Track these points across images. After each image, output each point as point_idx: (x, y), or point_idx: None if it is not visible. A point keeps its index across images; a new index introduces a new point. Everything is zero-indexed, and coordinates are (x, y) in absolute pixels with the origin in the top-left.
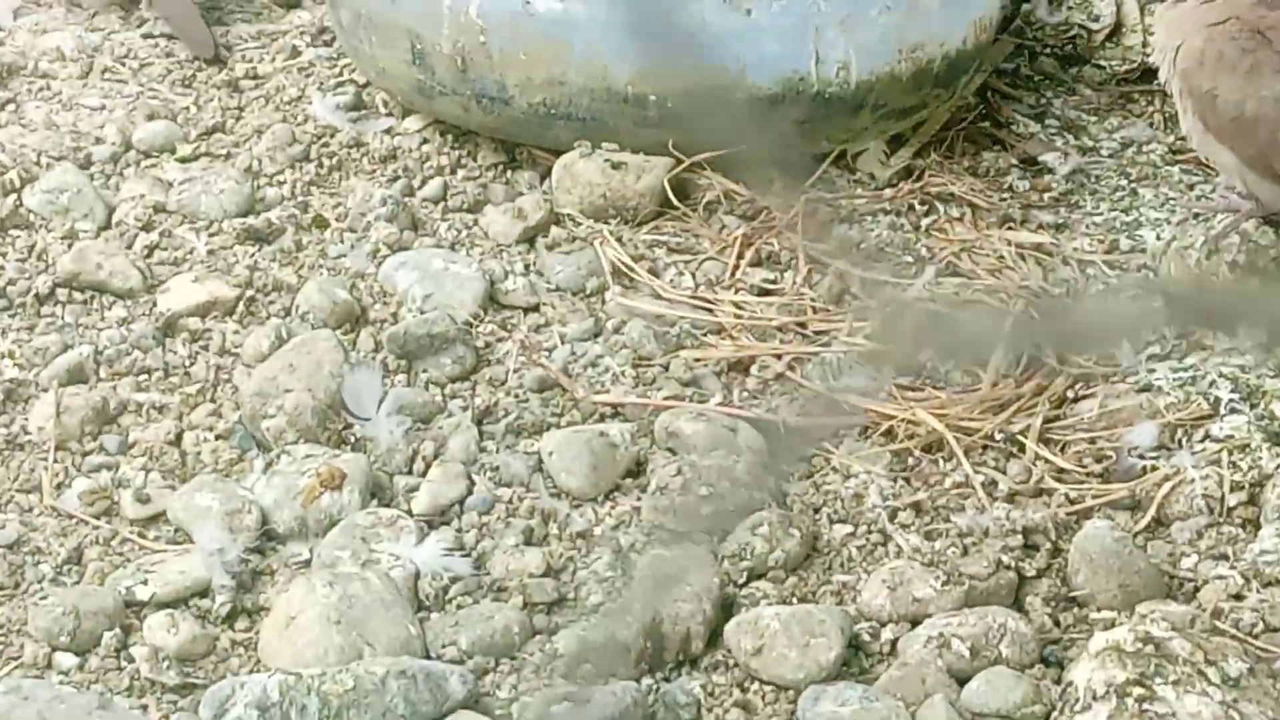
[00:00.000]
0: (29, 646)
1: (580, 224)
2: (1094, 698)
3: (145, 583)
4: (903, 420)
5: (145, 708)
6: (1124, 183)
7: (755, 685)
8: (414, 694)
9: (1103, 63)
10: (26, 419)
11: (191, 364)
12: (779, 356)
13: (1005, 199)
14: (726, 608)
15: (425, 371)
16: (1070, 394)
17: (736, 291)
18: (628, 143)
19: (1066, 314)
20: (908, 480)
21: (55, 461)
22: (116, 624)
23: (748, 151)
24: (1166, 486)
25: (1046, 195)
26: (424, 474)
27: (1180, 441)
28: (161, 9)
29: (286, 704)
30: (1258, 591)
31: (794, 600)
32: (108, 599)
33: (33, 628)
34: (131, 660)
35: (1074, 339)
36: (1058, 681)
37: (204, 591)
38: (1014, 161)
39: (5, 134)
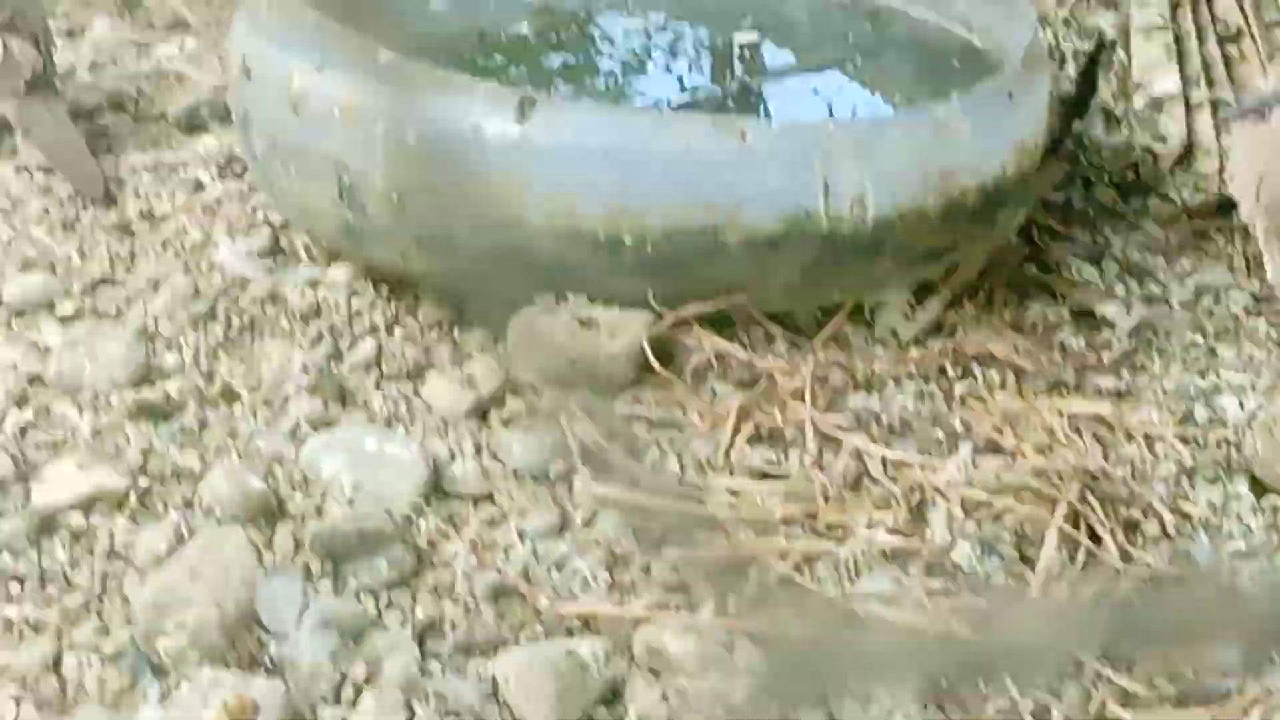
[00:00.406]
0: None
1: (542, 394)
2: None
3: None
4: (934, 635)
5: None
6: (1199, 339)
7: None
8: None
9: (1171, 193)
10: None
11: (73, 570)
12: (784, 556)
13: (1056, 360)
14: None
15: (356, 577)
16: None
17: (732, 475)
18: (599, 295)
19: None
20: (941, 708)
21: None
22: None
23: (744, 305)
24: (1257, 713)
25: (1105, 355)
26: (354, 703)
27: (1274, 656)
28: (38, 138)
29: None
30: None
31: None
32: None
33: None
34: None
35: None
36: None
37: None
38: (1066, 314)
39: None
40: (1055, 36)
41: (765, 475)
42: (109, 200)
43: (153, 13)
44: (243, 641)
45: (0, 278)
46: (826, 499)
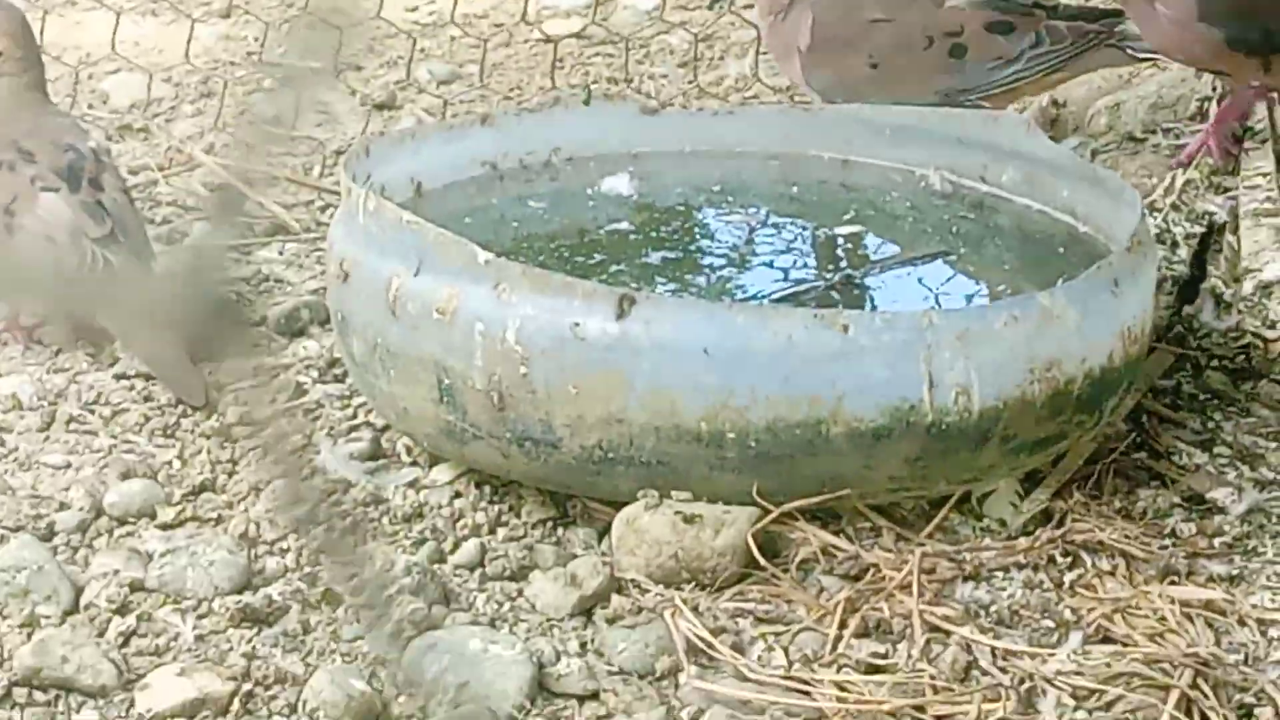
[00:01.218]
0: None
1: (647, 591)
2: None
3: None
4: None
5: None
6: None
7: None
8: None
9: None
10: None
11: None
12: None
13: (1166, 547)
14: None
15: None
16: None
17: (839, 669)
18: (702, 491)
19: None
20: None
21: None
22: None
23: (849, 497)
24: None
25: (1217, 541)
26: None
27: None
28: (138, 348)
29: None
30: None
31: None
32: None
33: None
34: None
35: None
36: None
37: None
38: (1176, 500)
39: None
40: (1165, 220)
41: (873, 668)
42: (209, 407)
43: (253, 217)
44: None
45: (102, 486)
46: (935, 691)
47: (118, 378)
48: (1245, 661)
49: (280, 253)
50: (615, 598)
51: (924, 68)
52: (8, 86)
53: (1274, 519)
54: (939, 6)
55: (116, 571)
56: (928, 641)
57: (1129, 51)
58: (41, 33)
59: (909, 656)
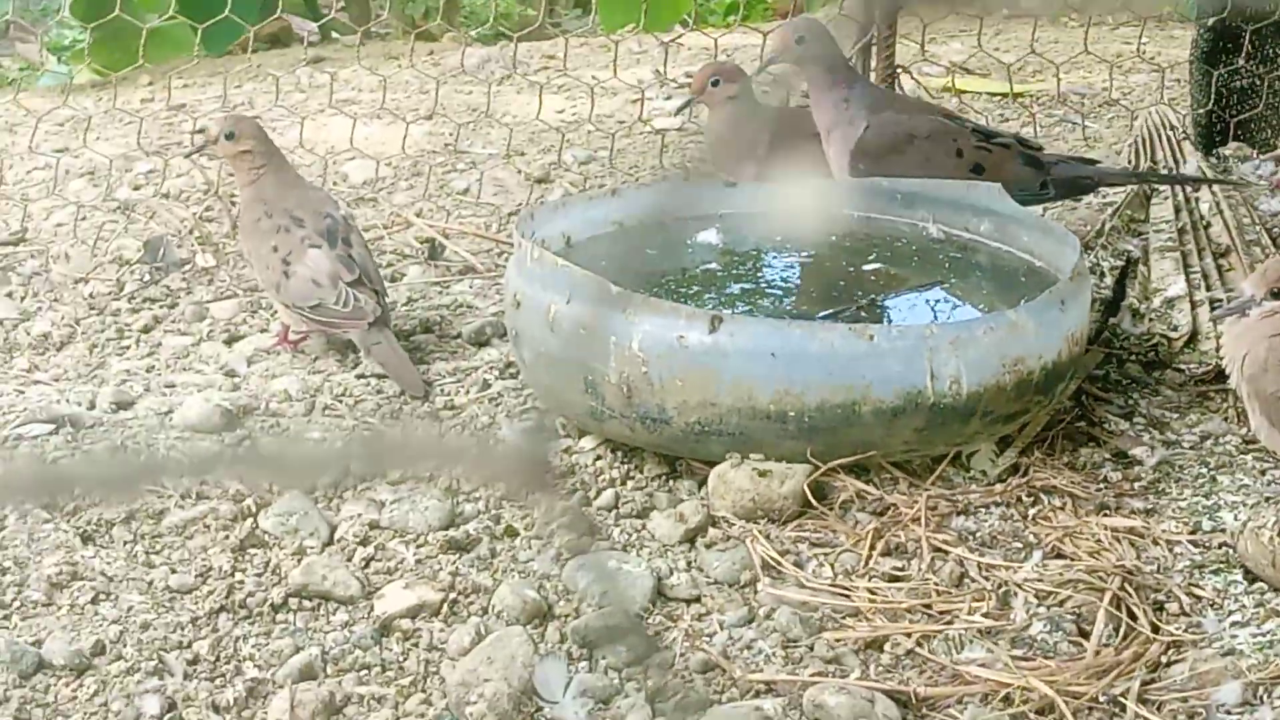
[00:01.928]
0: None
1: (734, 525)
2: None
3: None
4: (1018, 688)
5: None
6: (1204, 471)
7: None
8: None
9: (1182, 366)
10: (265, 713)
11: (404, 660)
12: (909, 635)
13: (1101, 489)
14: None
15: (604, 659)
16: (1164, 659)
17: (870, 579)
18: (772, 453)
19: None
20: None
21: None
22: None
23: (876, 457)
24: None
25: (1136, 484)
26: None
27: (1262, 698)
28: (377, 355)
29: None
30: None
31: None
32: None
33: None
34: None
35: None
36: None
37: None
38: (1107, 456)
39: (242, 467)
40: (1095, 257)
41: (894, 578)
42: (427, 397)
43: (450, 261)
44: (525, 707)
45: (349, 454)
46: (938, 594)
47: (359, 377)
48: (1158, 571)
49: (470, 287)
50: (711, 530)
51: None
52: (270, 171)
53: (1177, 469)
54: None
55: (359, 515)
56: (932, 559)
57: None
58: (300, 133)
59: (919, 570)
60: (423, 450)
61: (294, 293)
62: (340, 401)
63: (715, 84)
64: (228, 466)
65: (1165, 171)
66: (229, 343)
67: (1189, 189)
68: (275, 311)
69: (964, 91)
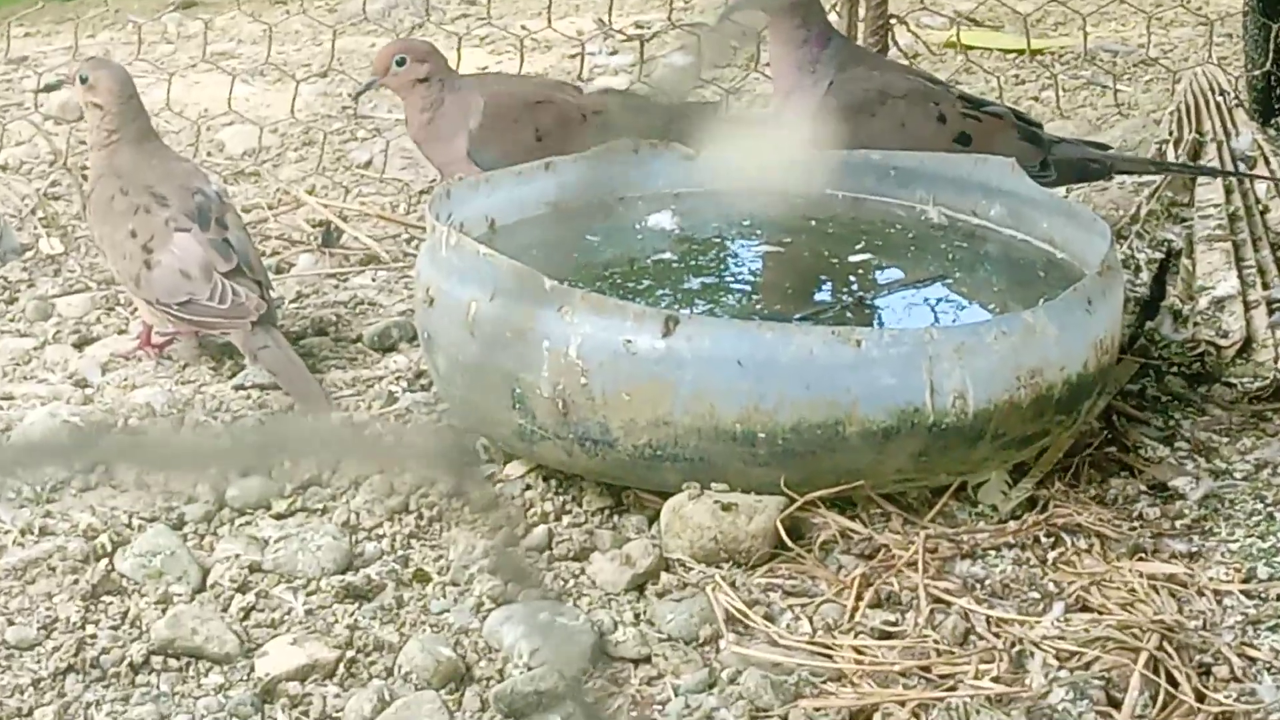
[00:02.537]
0: None
1: (691, 569)
2: None
3: None
4: None
5: None
6: (1260, 507)
7: None
8: None
9: (1233, 380)
10: None
11: None
12: (903, 703)
13: (1135, 528)
14: None
15: None
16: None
17: (856, 635)
18: (738, 483)
19: None
20: None
21: None
22: None
23: (863, 487)
24: None
25: (1178, 523)
26: None
27: None
28: (265, 361)
29: None
30: None
31: None
32: None
33: None
34: None
35: None
36: None
37: None
38: (1143, 488)
39: (96, 496)
40: (1129, 248)
41: (885, 634)
42: (328, 410)
43: (349, 249)
44: None
45: (224, 482)
46: (939, 654)
47: (236, 389)
48: (1204, 627)
49: (373, 279)
50: (664, 575)
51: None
52: (127, 137)
53: (1227, 504)
54: (579, 93)
55: (238, 555)
56: (931, 611)
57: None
58: (168, 93)
59: (916, 624)
60: (330, 440)
61: (158, 286)
62: (215, 417)
63: (401, 64)
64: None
65: (1213, 143)
66: (79, 346)
67: (1240, 167)
68: (135, 309)
69: (971, 48)
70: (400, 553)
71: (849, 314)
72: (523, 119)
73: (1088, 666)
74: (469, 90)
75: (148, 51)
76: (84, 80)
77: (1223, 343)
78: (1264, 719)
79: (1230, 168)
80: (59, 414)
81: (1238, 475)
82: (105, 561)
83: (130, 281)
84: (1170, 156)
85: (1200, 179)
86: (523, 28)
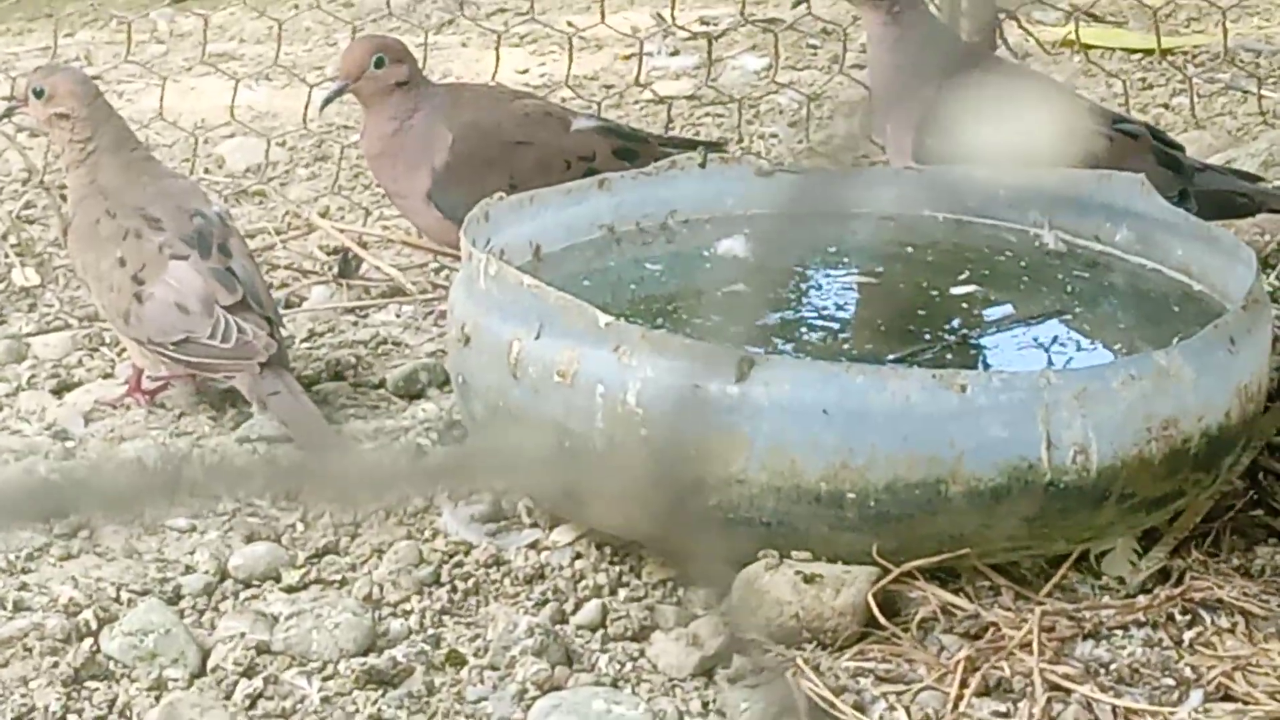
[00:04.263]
0: None
1: (769, 651)
2: None
3: None
4: None
5: None
6: None
7: None
8: None
9: None
10: None
11: None
12: None
13: None
14: None
15: None
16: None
17: None
18: (822, 551)
19: None
20: None
21: None
22: None
23: (968, 556)
24: None
25: None
26: None
27: None
28: (276, 409)
29: None
30: None
31: None
32: None
33: None
34: None
35: None
36: None
37: None
38: None
39: (78, 566)
40: (1278, 279)
41: None
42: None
43: (369, 280)
44: None
45: (227, 550)
46: None
47: (240, 441)
48: None
49: (397, 315)
50: (737, 658)
51: None
52: (105, 145)
53: None
54: (567, 131)
55: (242, 634)
56: (1049, 700)
57: None
58: (160, 100)
59: (1030, 715)
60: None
61: (151, 323)
62: (214, 475)
63: (379, 64)
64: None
65: None
66: (58, 392)
67: None
68: (123, 349)
69: (1091, 47)
70: (431, 631)
71: (951, 355)
72: (497, 162)
73: None
74: (437, 115)
75: (136, 52)
76: (39, 94)
77: None
78: None
79: None
80: (35, 470)
81: None
82: (89, 641)
83: (118, 318)
84: None
85: None
86: (569, 24)
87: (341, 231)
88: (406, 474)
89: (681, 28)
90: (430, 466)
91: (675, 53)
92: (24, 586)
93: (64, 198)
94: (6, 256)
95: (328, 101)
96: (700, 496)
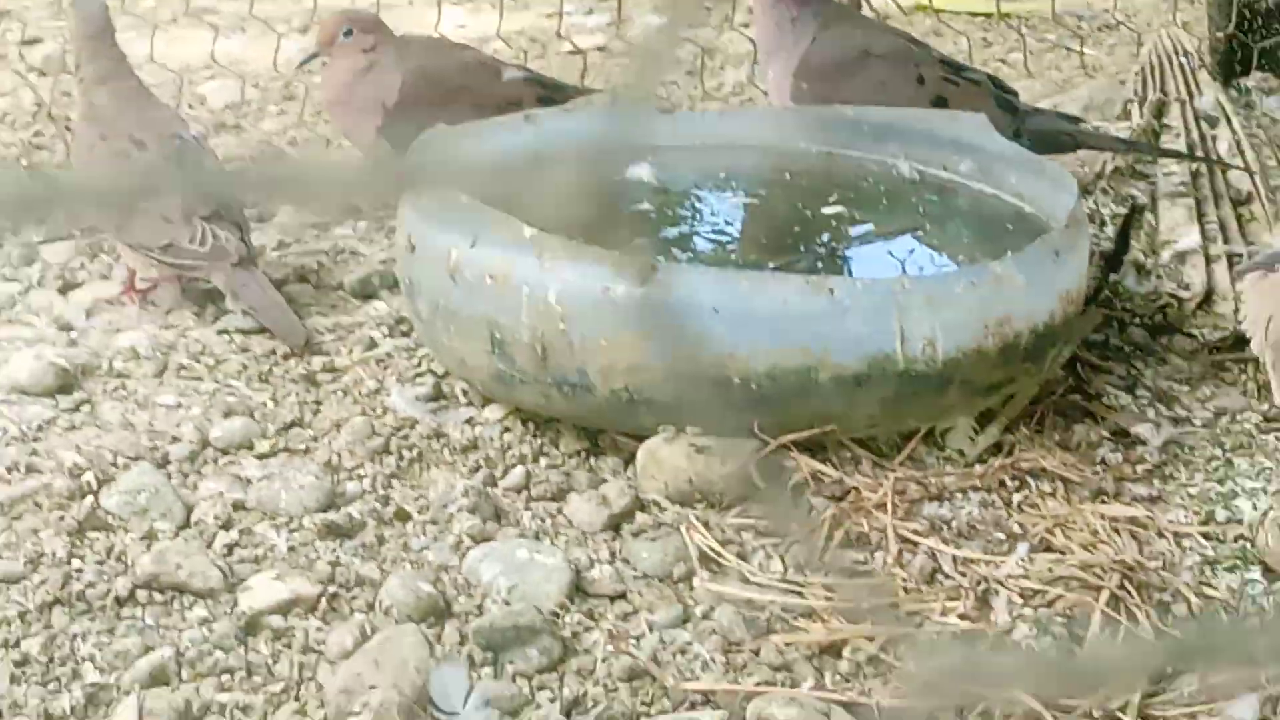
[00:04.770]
0: None
1: (666, 510)
2: None
3: None
4: (999, 700)
5: None
6: (1218, 453)
7: None
8: None
9: (1194, 331)
10: None
11: (275, 663)
12: (871, 639)
13: (1097, 472)
14: None
15: (512, 664)
16: (1169, 668)
17: (827, 574)
18: (712, 427)
19: None
20: None
21: None
22: None
23: (834, 432)
24: None
25: (1139, 468)
26: None
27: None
28: (246, 299)
29: None
30: None
31: None
32: None
33: None
34: None
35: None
36: None
37: None
38: (1105, 434)
39: (81, 435)
40: (1095, 203)
41: (855, 573)
42: (310, 348)
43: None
44: (419, 719)
45: (208, 423)
46: (906, 591)
47: (220, 333)
48: (1163, 567)
49: (354, 229)
50: (639, 515)
51: None
52: (95, 76)
53: (1187, 450)
54: (499, 80)
55: (221, 494)
56: (900, 551)
57: None
58: (151, 46)
59: (884, 563)
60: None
61: (139, 231)
62: (198, 361)
63: (348, 34)
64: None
65: (1176, 103)
66: (64, 291)
67: (1203, 126)
68: (118, 255)
69: (941, 11)
70: (381, 492)
71: (821, 264)
72: (440, 104)
73: (1051, 604)
74: (389, 63)
75: (131, 5)
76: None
77: (1184, 295)
78: None
79: (1194, 127)
80: (44, 356)
81: (1197, 422)
82: (90, 499)
83: (112, 227)
84: (1136, 116)
85: (1163, 135)
86: None
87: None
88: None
89: None
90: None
91: (590, 11)
92: (34, 452)
93: (68, 128)
94: None
95: (301, 65)
96: (610, 382)
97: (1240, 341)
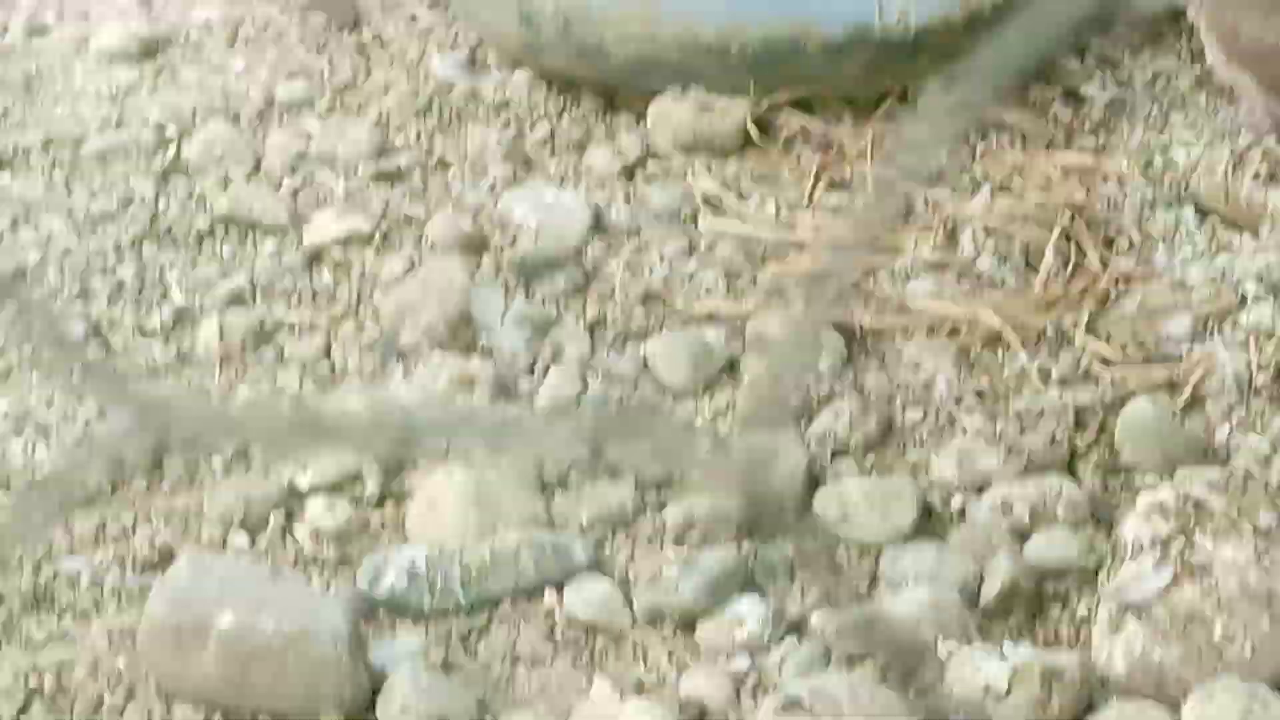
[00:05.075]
0: (206, 529)
1: (673, 158)
2: (1140, 549)
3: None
4: (965, 319)
5: (309, 579)
6: (1156, 109)
7: (841, 547)
8: (543, 562)
9: (1135, 2)
10: (194, 338)
11: (336, 288)
12: (854, 268)
13: (1050, 126)
14: (814, 483)
15: (541, 289)
16: (1113, 293)
17: (814, 213)
18: (714, 87)
19: None
20: (971, 370)
21: (220, 374)
22: (281, 507)
23: (821, 92)
24: (1200, 370)
25: (1087, 122)
26: (543, 376)
27: (1211, 330)
28: None
29: (433, 573)
30: None
31: (873, 474)
32: (273, 487)
33: (209, 513)
34: (295, 539)
35: None
36: (1108, 537)
37: (356, 477)
38: (1058, 93)
39: (163, 95)
40: None
41: (839, 213)
42: (356, 25)
43: None
44: (461, 334)
45: (273, 84)
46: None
47: (281, 10)
48: (1109, 207)
49: None
50: (650, 163)
51: None
52: None
53: (1127, 108)
54: None
55: (286, 145)
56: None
57: None
58: None
59: (864, 204)
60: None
61: None
62: (264, 33)
63: None
64: None
65: None
66: None
67: None
68: None
69: None
70: (425, 145)
71: None
72: None
73: (1010, 238)
74: None
75: None
76: None
77: None
78: (1154, 277)
79: None
80: (129, 26)
81: (1138, 83)
82: (173, 148)
83: None
84: None
85: None
86: None
87: None
88: None
89: None
90: None
91: None
92: (123, 109)
93: None
94: None
95: None
96: (624, 49)
97: (1178, 13)
